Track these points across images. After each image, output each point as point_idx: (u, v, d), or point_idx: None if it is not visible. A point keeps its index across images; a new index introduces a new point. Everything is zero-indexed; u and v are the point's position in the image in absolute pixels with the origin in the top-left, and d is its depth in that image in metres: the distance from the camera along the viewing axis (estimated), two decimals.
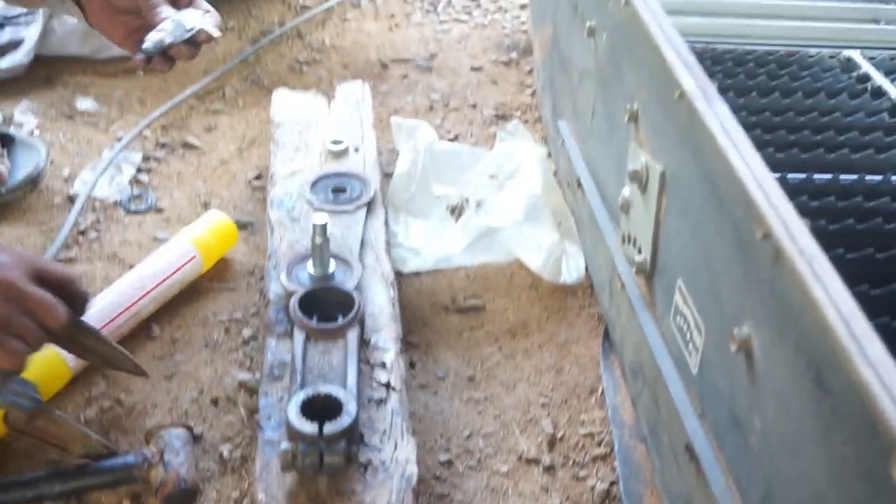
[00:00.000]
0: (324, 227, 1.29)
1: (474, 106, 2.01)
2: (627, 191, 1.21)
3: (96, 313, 1.34)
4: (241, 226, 1.65)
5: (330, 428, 1.06)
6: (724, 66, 1.42)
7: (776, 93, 1.34)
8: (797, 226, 0.76)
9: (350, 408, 1.09)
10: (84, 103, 1.93)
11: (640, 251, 1.18)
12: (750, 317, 0.85)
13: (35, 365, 1.22)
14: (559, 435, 1.32)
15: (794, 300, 0.75)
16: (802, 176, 1.17)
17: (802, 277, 0.71)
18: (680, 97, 1.01)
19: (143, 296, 1.41)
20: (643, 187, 1.16)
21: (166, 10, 1.24)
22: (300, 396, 1.10)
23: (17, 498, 1.12)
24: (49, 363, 1.27)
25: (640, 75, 1.18)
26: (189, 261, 1.47)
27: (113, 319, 1.36)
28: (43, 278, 1.10)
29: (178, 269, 1.46)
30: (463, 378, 1.40)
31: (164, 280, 1.43)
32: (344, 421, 1.07)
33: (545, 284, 1.55)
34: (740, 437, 0.88)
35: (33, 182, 1.64)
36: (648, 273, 1.16)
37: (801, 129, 1.27)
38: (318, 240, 1.30)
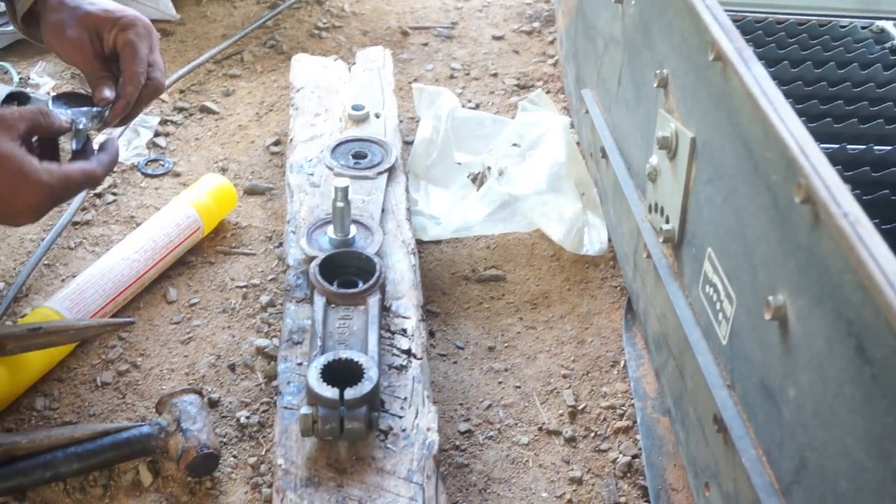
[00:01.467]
0: (345, 190, 1.27)
1: (495, 75, 1.98)
2: (655, 159, 1.19)
3: (107, 286, 1.33)
4: (259, 191, 1.63)
5: (351, 393, 1.05)
6: (755, 35, 1.39)
7: (808, 63, 1.31)
8: (840, 189, 0.73)
9: (371, 373, 1.07)
10: None
11: (667, 220, 1.16)
12: (785, 284, 0.83)
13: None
14: (580, 407, 1.30)
15: (835, 265, 0.73)
16: (836, 146, 1.14)
17: (847, 239, 0.69)
18: (715, 60, 0.98)
19: (152, 267, 1.40)
20: (672, 155, 1.13)
21: (105, 91, 1.21)
22: (320, 361, 1.08)
23: (36, 479, 1.11)
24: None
25: (671, 40, 1.15)
26: (195, 231, 1.47)
27: (121, 292, 1.35)
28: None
29: (185, 240, 1.46)
30: (483, 348, 1.39)
31: (171, 251, 1.43)
32: (365, 386, 1.06)
33: (567, 255, 1.53)
34: (772, 408, 0.86)
35: None
36: (676, 242, 1.14)
37: (834, 100, 1.24)
38: (340, 203, 1.28)
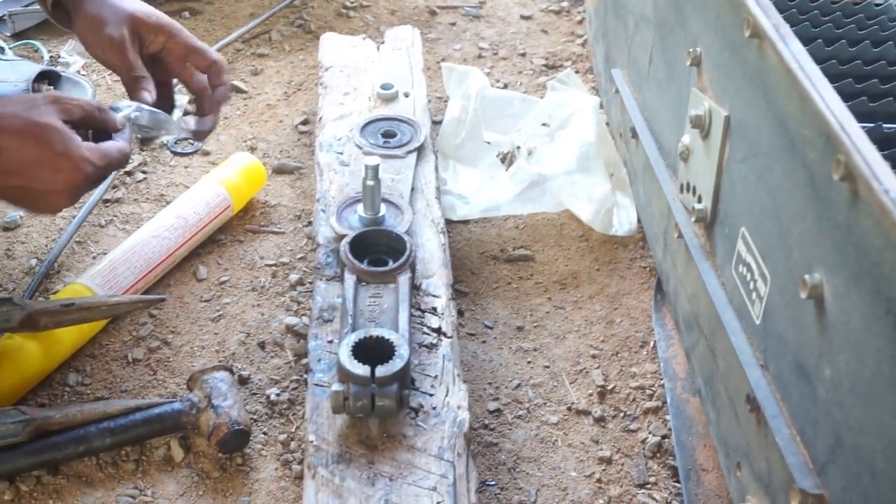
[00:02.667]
0: (376, 168, 1.27)
1: (524, 55, 1.97)
2: (687, 138, 1.18)
3: (138, 263, 1.34)
4: (288, 170, 1.63)
5: (382, 370, 1.05)
6: (788, 13, 1.37)
7: (842, 41, 1.29)
8: (880, 165, 0.73)
9: (402, 351, 1.07)
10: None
11: (699, 200, 1.15)
12: (822, 263, 0.83)
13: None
14: (610, 387, 1.30)
15: (874, 242, 0.73)
16: (871, 125, 1.13)
17: (889, 216, 0.68)
18: (751, 36, 0.97)
19: (182, 245, 1.41)
20: (705, 133, 1.13)
21: (144, 93, 1.24)
22: (352, 338, 1.09)
23: (69, 454, 1.12)
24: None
25: (705, 17, 1.14)
26: (224, 209, 1.47)
27: (152, 270, 1.36)
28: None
29: (215, 218, 1.46)
30: (512, 328, 1.38)
31: (201, 230, 1.44)
32: (396, 364, 1.06)
33: (596, 236, 1.53)
34: (807, 387, 0.86)
35: None
36: (709, 222, 1.13)
37: (869, 78, 1.22)
38: (370, 182, 1.27)
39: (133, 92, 1.24)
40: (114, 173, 1.55)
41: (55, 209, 1.12)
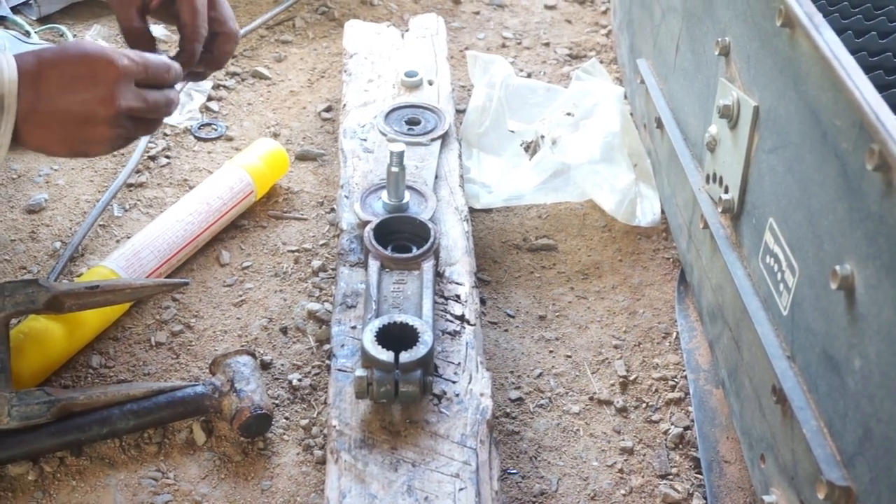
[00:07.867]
0: (401, 154, 1.27)
1: (547, 45, 1.97)
2: (715, 128, 1.18)
3: (162, 247, 1.34)
4: (311, 157, 1.63)
5: (406, 356, 1.05)
6: (819, 5, 1.36)
7: (873, 33, 1.28)
8: None
9: (426, 337, 1.07)
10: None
11: (726, 190, 1.15)
12: (853, 253, 0.82)
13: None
14: (632, 377, 1.29)
15: None
16: None
17: None
18: (782, 26, 0.97)
19: (205, 230, 1.41)
20: (733, 124, 1.12)
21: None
22: (375, 324, 1.09)
23: (92, 435, 1.13)
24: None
25: (735, 7, 1.14)
26: (248, 195, 1.47)
27: (175, 254, 1.36)
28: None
29: (238, 203, 1.46)
30: (534, 317, 1.38)
31: (224, 215, 1.44)
32: (420, 350, 1.06)
33: (619, 226, 1.52)
34: (835, 378, 0.85)
35: None
36: (735, 212, 1.13)
37: None
38: (395, 168, 1.27)
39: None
40: (144, 142, 1.54)
41: (105, 121, 1.08)
